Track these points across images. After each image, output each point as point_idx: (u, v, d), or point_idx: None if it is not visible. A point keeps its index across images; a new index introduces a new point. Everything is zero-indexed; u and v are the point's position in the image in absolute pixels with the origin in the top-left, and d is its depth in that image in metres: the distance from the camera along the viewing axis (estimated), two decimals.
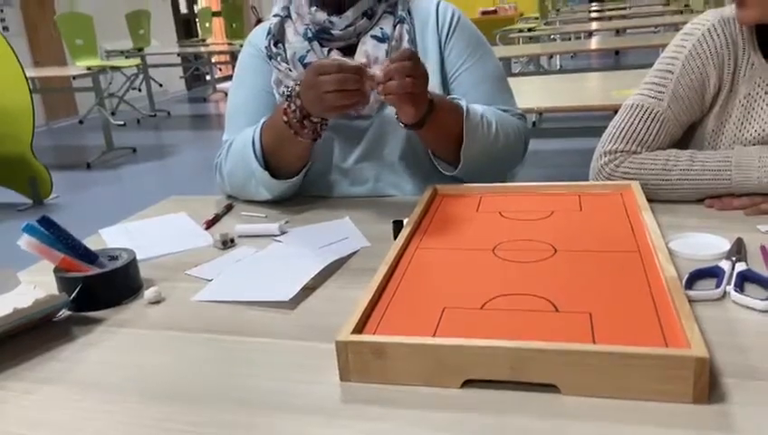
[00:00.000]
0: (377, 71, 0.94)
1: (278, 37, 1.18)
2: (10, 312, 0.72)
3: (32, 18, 6.74)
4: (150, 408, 0.61)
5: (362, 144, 1.16)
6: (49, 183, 3.93)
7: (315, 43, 1.15)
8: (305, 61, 1.14)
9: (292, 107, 1.01)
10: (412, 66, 0.92)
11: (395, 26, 1.15)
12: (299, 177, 1.12)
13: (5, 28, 6.33)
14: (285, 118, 1.02)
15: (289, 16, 1.19)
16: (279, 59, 1.16)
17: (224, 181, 1.20)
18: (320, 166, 1.18)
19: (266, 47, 1.18)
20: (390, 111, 1.13)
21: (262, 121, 1.10)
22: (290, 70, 1.15)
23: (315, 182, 1.19)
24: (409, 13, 1.18)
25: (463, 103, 1.06)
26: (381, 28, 1.14)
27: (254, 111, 1.17)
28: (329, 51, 1.15)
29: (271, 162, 1.10)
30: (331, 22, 1.12)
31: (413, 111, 0.97)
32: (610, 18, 7.27)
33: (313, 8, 1.14)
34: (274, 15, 1.20)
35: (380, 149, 1.16)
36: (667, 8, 7.56)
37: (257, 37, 1.22)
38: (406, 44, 1.14)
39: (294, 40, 1.16)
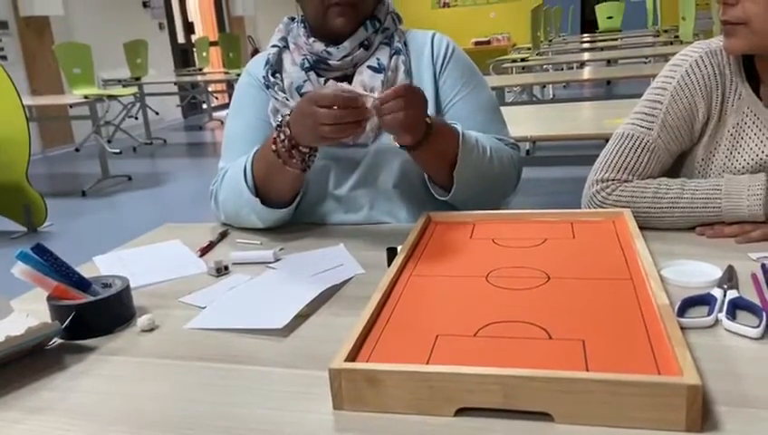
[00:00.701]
0: (375, 95, 0.95)
1: (276, 67, 1.19)
2: (2, 340, 0.71)
3: (30, 47, 6.80)
4: None
5: (358, 172, 1.17)
6: (43, 211, 3.92)
7: (312, 73, 1.16)
8: (302, 90, 1.16)
9: (281, 136, 1.02)
10: (406, 101, 0.94)
11: (391, 57, 1.17)
12: (290, 208, 1.13)
13: (3, 57, 6.38)
14: (274, 147, 1.03)
15: (287, 47, 1.21)
16: (276, 88, 1.17)
17: (218, 209, 1.21)
18: (315, 193, 1.18)
19: (264, 77, 1.19)
20: (387, 139, 1.14)
21: (254, 150, 1.11)
22: (287, 99, 1.16)
23: (310, 209, 1.19)
24: (405, 44, 1.20)
25: (458, 127, 1.08)
26: (378, 59, 1.16)
27: (251, 139, 1.18)
28: (325, 80, 1.17)
29: (262, 191, 1.10)
30: (328, 52, 1.14)
31: (409, 137, 1.00)
32: (602, 49, 7.38)
33: (311, 39, 1.16)
34: (273, 46, 1.22)
35: (375, 176, 1.17)
36: (657, 39, 7.68)
37: (255, 67, 1.24)
38: (402, 75, 1.16)
39: (291, 70, 1.18)
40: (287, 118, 1.01)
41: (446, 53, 1.21)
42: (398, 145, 1.05)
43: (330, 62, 1.15)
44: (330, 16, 1.11)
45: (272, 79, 1.18)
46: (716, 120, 1.03)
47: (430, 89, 1.18)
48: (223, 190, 1.17)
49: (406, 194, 1.18)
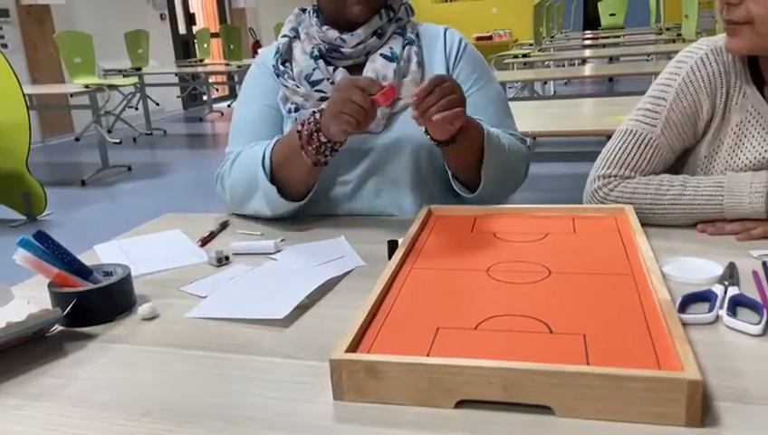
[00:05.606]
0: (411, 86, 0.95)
1: (286, 56, 1.21)
2: (3, 326, 0.71)
3: (31, 36, 6.77)
4: (142, 425, 0.60)
5: (366, 160, 1.17)
6: (43, 199, 3.92)
7: (320, 62, 1.17)
8: (311, 79, 1.17)
9: (311, 118, 1.03)
10: (451, 86, 0.94)
11: (404, 47, 1.17)
12: (301, 203, 1.13)
13: (4, 45, 6.36)
14: (300, 127, 1.04)
15: (297, 37, 1.22)
16: (286, 76, 1.18)
17: (225, 192, 1.20)
18: (323, 179, 1.18)
19: (273, 65, 1.20)
20: (397, 129, 1.15)
21: (276, 137, 1.12)
22: (297, 87, 1.17)
23: (316, 196, 1.19)
24: (418, 36, 1.20)
25: (482, 122, 1.07)
26: (391, 48, 1.17)
27: (260, 126, 1.19)
28: (335, 69, 1.17)
29: (276, 179, 1.10)
30: (342, 39, 1.15)
31: (452, 128, 0.98)
32: (604, 45, 7.36)
33: (325, 27, 1.16)
34: (283, 36, 1.23)
35: (384, 165, 1.17)
36: (660, 37, 7.66)
37: (266, 56, 1.25)
38: (414, 66, 1.17)
39: (301, 59, 1.19)
40: (323, 106, 1.02)
41: (459, 48, 1.21)
42: (431, 140, 1.03)
43: (342, 49, 1.16)
44: (348, 4, 1.12)
45: (281, 67, 1.19)
46: (720, 118, 1.03)
47: None
48: (233, 174, 1.17)
49: (413, 184, 1.18)
